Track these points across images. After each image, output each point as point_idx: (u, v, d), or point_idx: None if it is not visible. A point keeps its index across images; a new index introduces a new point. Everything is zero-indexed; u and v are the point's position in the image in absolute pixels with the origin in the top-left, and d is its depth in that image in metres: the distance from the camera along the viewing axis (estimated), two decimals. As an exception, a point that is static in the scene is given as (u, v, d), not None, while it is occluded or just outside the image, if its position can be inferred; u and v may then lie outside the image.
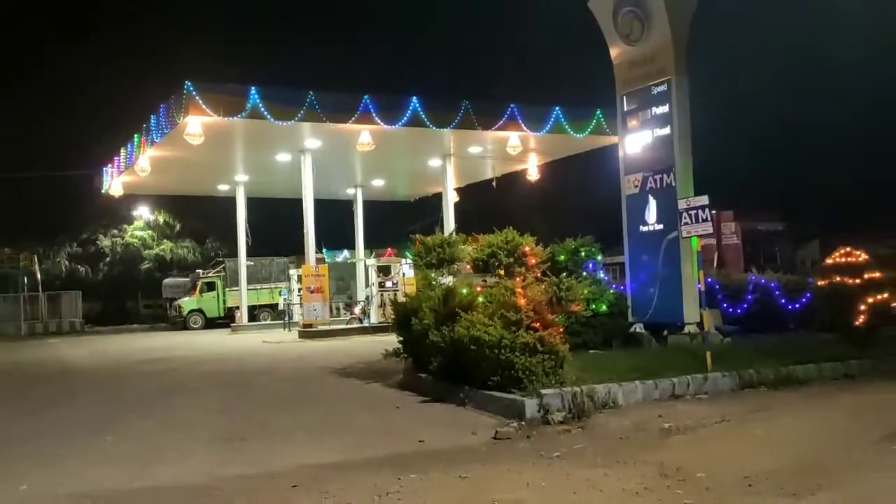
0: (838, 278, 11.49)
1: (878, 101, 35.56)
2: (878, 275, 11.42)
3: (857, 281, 11.29)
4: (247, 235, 31.05)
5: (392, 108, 22.36)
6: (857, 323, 11.19)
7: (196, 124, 20.80)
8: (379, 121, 22.17)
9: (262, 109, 20.85)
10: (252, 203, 31.62)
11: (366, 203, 33.33)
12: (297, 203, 25.82)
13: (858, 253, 11.64)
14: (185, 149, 22.68)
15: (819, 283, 12.28)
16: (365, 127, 22.33)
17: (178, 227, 45.02)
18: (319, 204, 26.52)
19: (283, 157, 26.01)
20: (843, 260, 11.63)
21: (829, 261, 12.08)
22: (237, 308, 31.88)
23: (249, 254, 32.18)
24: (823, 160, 37.80)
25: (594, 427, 7.81)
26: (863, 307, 11.15)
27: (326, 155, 25.13)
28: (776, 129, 37.54)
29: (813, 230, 27.23)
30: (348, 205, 33.26)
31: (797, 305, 14.85)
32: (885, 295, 11.40)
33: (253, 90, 20.80)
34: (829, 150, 38.46)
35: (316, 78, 45.17)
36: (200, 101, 20.15)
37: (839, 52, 36.59)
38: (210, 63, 41.26)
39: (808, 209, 31.36)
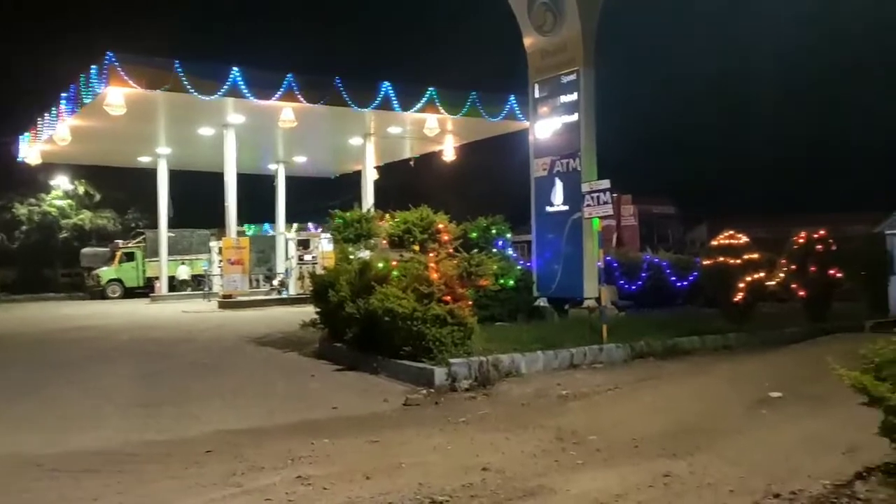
0: (721, 258, 11.91)
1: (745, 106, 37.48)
2: (755, 256, 11.92)
3: (738, 261, 11.73)
4: (169, 208, 30.05)
5: (315, 87, 22.06)
6: (736, 300, 11.68)
7: (117, 95, 19.93)
8: (302, 99, 21.82)
9: (186, 83, 20.18)
10: (175, 175, 30.57)
11: (288, 178, 32.68)
12: (220, 177, 25.10)
13: (740, 235, 12.05)
14: (106, 119, 21.72)
15: (705, 263, 12.72)
16: (288, 104, 21.93)
17: (98, 197, 43.04)
18: (242, 178, 25.87)
19: (206, 131, 25.21)
20: (727, 242, 12.03)
21: (713, 242, 12.49)
22: (157, 278, 30.91)
23: (171, 225, 31.18)
24: (711, 152, 39.43)
25: (498, 394, 7.95)
26: (741, 285, 11.64)
27: (249, 130, 24.51)
28: (671, 122, 38.85)
29: (701, 214, 28.26)
30: (270, 179, 32.54)
31: (685, 283, 15.48)
32: (762, 274, 11.94)
33: (176, 63, 20.11)
34: (717, 144, 40.26)
35: (237, 55, 43.73)
36: (122, 73, 19.37)
37: (731, 58, 38.19)
38: (141, 37, 39.32)
39: (696, 195, 32.61)
